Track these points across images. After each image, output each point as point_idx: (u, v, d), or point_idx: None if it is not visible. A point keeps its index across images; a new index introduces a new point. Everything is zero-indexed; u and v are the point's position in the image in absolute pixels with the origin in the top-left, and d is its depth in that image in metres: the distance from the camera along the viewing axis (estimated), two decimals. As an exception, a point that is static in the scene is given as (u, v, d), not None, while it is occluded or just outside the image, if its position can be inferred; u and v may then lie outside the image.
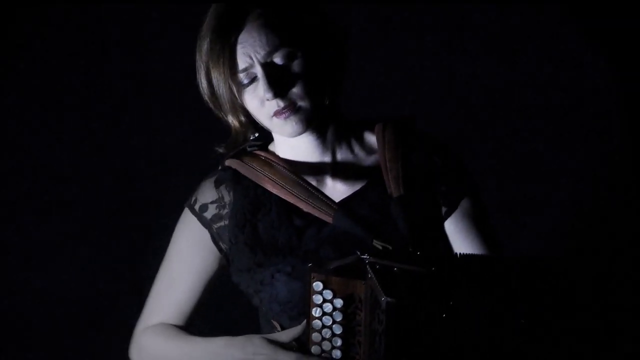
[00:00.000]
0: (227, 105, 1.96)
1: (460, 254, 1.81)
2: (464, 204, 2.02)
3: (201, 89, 1.99)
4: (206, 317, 2.13)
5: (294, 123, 1.94)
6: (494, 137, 3.22)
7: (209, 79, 1.95)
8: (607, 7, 3.07)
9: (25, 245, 3.13)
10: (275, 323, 1.98)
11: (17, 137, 3.12)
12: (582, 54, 3.16)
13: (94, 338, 3.12)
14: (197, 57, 1.97)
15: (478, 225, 2.02)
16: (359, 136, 2.06)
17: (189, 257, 2.05)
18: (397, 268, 1.77)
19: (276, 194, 2.00)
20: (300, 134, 1.97)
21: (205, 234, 2.03)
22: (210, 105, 1.99)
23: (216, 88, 1.95)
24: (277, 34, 1.91)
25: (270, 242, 1.98)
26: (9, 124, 3.11)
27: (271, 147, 2.07)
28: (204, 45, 1.94)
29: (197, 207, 2.04)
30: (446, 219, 2.02)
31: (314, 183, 2.01)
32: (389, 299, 1.69)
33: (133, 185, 3.15)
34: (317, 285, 1.83)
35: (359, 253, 1.83)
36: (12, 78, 3.10)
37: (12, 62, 3.09)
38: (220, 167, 2.06)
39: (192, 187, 2.08)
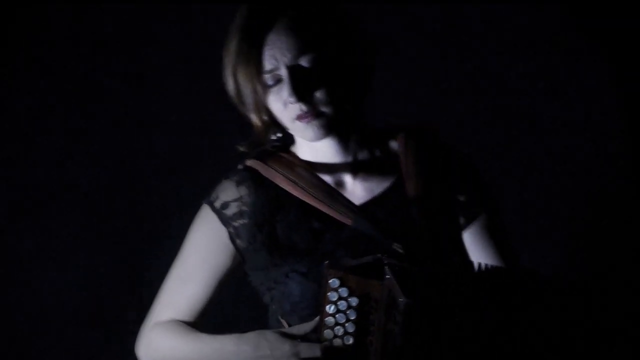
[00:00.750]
0: (251, 105, 1.97)
1: (479, 263, 1.81)
2: (482, 217, 2.03)
3: (227, 86, 1.99)
4: (212, 317, 2.12)
5: (315, 128, 1.95)
6: (491, 138, 3.22)
7: (235, 77, 1.96)
8: (607, 7, 3.08)
9: (25, 246, 3.12)
10: (283, 321, 1.98)
11: (18, 137, 3.11)
12: (582, 54, 3.16)
13: (94, 339, 3.12)
14: (224, 55, 1.97)
15: (495, 239, 2.03)
16: (382, 143, 2.06)
17: (205, 254, 2.04)
18: (416, 271, 1.77)
19: (296, 195, 2.00)
20: (321, 139, 1.98)
21: (223, 232, 2.03)
22: (235, 102, 2.00)
23: (242, 87, 1.96)
24: (305, 37, 1.91)
25: (287, 245, 1.98)
26: (9, 124, 3.10)
27: (292, 149, 2.07)
28: (232, 45, 1.95)
29: (217, 204, 2.03)
30: (463, 229, 2.03)
31: (334, 186, 2.02)
32: (407, 300, 1.69)
33: (134, 186, 3.15)
34: (334, 282, 1.82)
35: (379, 254, 1.84)
36: (14, 78, 3.09)
37: (14, 63, 3.08)
38: (241, 167, 2.05)
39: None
